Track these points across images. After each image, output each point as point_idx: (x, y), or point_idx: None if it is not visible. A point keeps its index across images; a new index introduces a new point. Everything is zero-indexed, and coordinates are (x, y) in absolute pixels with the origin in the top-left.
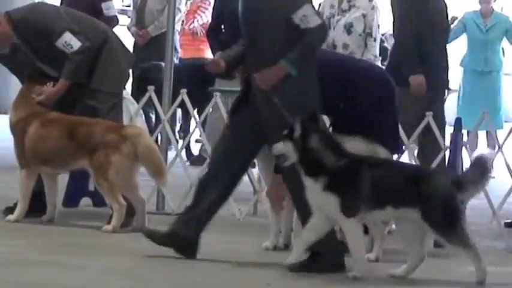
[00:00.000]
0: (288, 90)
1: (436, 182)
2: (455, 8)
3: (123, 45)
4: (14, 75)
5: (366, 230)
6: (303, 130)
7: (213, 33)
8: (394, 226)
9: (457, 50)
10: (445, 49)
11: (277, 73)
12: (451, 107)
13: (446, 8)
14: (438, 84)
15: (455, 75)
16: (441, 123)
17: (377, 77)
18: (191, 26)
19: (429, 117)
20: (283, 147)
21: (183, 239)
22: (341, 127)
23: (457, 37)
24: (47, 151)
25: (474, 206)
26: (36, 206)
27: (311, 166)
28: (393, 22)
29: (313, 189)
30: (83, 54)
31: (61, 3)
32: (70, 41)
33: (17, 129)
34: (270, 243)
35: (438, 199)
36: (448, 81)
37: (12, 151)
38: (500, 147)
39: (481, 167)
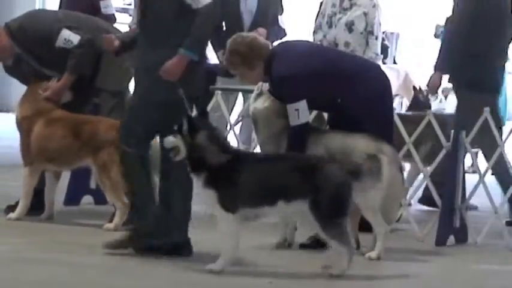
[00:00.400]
0: (189, 78)
1: (329, 171)
2: None
3: None
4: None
5: (369, 228)
6: (190, 126)
7: (212, 32)
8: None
9: None
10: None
11: (180, 63)
12: None
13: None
14: (490, 84)
15: None
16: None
17: (373, 74)
18: None
19: (486, 113)
20: (174, 141)
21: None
22: (338, 123)
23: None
24: (52, 149)
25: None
26: (37, 204)
27: (195, 162)
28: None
29: (197, 185)
30: (85, 47)
31: (60, 3)
32: (69, 37)
33: (23, 126)
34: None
35: (329, 188)
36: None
37: (15, 149)
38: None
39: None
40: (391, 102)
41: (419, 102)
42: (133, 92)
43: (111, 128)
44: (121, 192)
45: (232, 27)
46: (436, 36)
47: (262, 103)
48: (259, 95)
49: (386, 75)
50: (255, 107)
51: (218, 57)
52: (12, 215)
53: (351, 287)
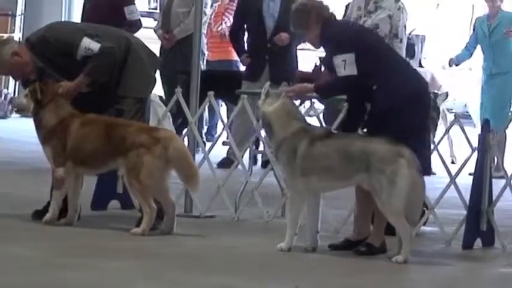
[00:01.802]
0: None
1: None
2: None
3: (149, 50)
4: None
5: (393, 232)
6: None
7: (235, 36)
8: (422, 228)
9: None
10: None
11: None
12: None
13: None
14: None
15: None
16: None
17: (414, 77)
18: (219, 28)
19: None
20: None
21: None
22: (367, 122)
23: (475, 46)
24: (86, 151)
25: (503, 208)
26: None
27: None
28: None
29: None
30: (106, 55)
31: (83, 11)
32: (90, 45)
33: (57, 130)
34: (285, 245)
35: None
36: None
37: (38, 153)
38: None
39: None
40: (424, 112)
41: None
42: None
43: (141, 131)
44: (149, 196)
45: (255, 31)
46: (450, 65)
47: (271, 104)
48: (267, 96)
49: (426, 83)
50: (265, 109)
51: (242, 62)
52: (47, 216)
53: None
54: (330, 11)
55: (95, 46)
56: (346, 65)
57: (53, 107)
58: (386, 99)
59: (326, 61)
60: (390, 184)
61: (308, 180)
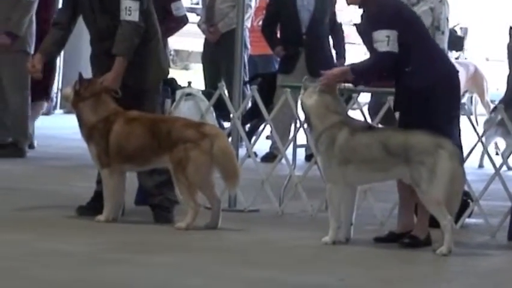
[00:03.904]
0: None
1: None
2: None
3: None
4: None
5: (438, 224)
6: None
7: (268, 30)
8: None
9: None
10: None
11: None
12: None
13: None
14: None
15: None
16: None
17: (448, 65)
18: (260, 23)
19: None
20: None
21: None
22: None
23: None
24: (131, 148)
25: None
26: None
27: None
28: None
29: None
30: (134, 31)
31: None
32: (131, 10)
33: (99, 128)
34: (329, 238)
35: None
36: None
37: (82, 150)
38: None
39: None
40: (454, 100)
41: None
42: None
43: (187, 126)
44: (195, 192)
45: (290, 26)
46: None
47: (310, 97)
48: (305, 89)
49: (458, 76)
50: (305, 102)
51: (277, 54)
52: (100, 217)
53: (425, 283)
54: None
55: (134, 16)
56: (389, 41)
57: (92, 103)
58: (420, 81)
59: (362, 29)
60: (430, 175)
61: (345, 170)
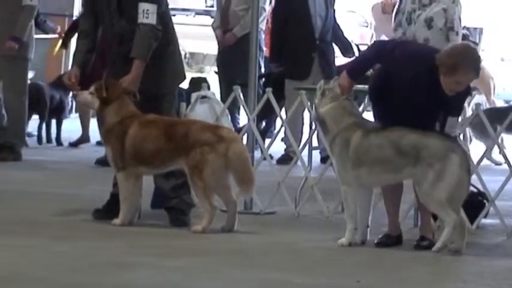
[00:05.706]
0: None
1: None
2: None
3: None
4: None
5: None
6: None
7: (278, 38)
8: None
9: None
10: None
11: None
12: None
13: None
14: None
15: None
16: None
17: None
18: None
19: None
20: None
21: None
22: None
23: None
24: (147, 151)
25: None
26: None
27: None
28: None
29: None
30: (152, 33)
31: None
32: (149, 12)
33: (115, 131)
34: (345, 240)
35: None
36: None
37: (102, 152)
38: None
39: None
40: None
41: None
42: None
43: (204, 129)
44: (211, 195)
45: (302, 33)
46: None
47: (328, 103)
48: (323, 94)
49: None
50: (321, 108)
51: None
52: (116, 221)
53: (441, 284)
54: None
55: (152, 19)
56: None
57: (116, 106)
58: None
59: None
60: (436, 177)
61: (359, 173)
